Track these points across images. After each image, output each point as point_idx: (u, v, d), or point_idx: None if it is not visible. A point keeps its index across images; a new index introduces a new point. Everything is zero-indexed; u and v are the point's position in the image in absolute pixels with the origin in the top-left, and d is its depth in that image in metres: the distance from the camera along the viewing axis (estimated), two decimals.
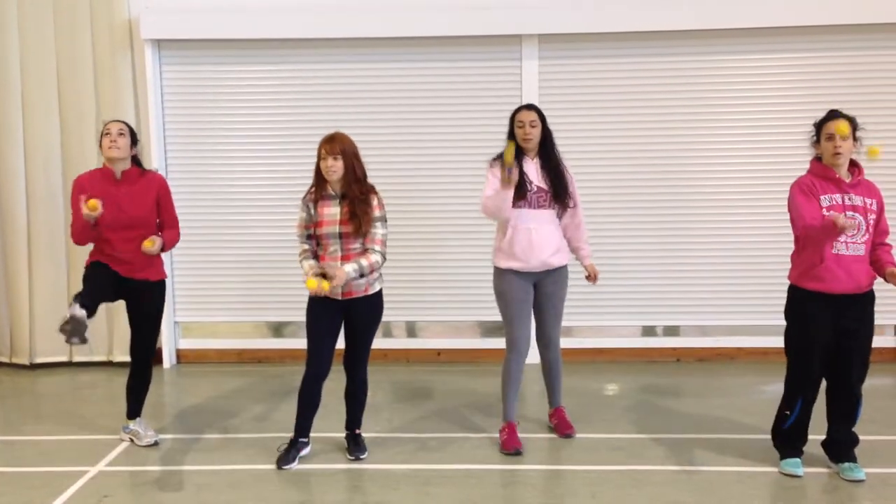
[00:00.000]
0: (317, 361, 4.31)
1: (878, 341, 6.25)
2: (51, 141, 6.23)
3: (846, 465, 4.10)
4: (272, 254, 6.29)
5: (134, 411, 4.73)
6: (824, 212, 3.86)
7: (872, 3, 5.88)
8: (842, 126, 3.87)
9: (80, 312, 4.04)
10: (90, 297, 4.20)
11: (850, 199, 3.93)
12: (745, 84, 6.19)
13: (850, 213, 3.86)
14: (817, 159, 4.01)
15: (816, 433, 4.26)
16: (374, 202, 4.23)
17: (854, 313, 3.98)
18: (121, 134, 4.44)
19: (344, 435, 4.58)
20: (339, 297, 4.24)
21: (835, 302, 3.94)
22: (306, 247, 4.31)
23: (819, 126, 3.99)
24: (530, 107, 4.59)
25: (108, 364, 6.38)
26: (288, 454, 4.37)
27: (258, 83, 6.35)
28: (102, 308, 6.19)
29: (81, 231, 4.41)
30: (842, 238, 3.85)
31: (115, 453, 4.58)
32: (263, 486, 4.15)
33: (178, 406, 5.65)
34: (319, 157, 4.20)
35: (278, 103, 6.33)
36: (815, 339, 4.00)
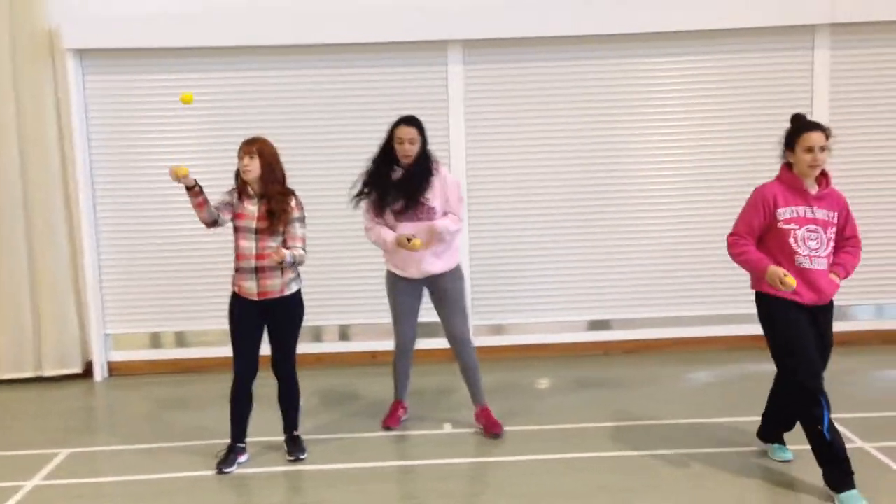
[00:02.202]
0: (242, 362, 4.39)
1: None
2: None
3: (775, 445, 4.30)
4: (201, 262, 6.28)
5: None
6: (781, 225, 3.83)
7: (788, 6, 6.17)
8: (821, 138, 3.79)
9: None
10: None
11: (812, 212, 3.85)
12: (668, 86, 6.41)
13: (811, 227, 3.83)
14: (787, 165, 3.92)
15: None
16: (293, 203, 4.33)
17: (819, 321, 3.91)
18: None
19: (283, 438, 4.63)
20: (255, 298, 4.31)
21: (798, 306, 3.86)
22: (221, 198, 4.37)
23: (794, 135, 3.86)
24: (410, 121, 4.58)
25: (38, 380, 6.30)
26: (227, 458, 4.40)
27: (181, 91, 6.30)
28: (28, 323, 6.16)
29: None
30: (804, 252, 3.82)
31: (51, 467, 4.54)
32: (202, 491, 4.17)
33: (112, 418, 5.61)
34: (238, 157, 4.28)
35: (203, 111, 6.29)
36: (799, 327, 3.84)
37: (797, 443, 4.19)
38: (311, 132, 6.33)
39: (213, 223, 4.33)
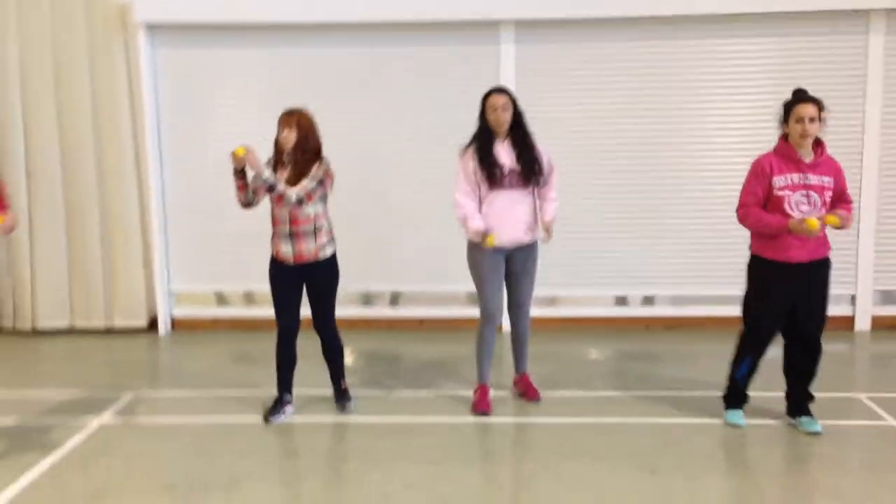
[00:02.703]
0: (284, 320, 4.63)
1: (833, 310, 6.66)
2: (48, 122, 6.50)
3: (804, 419, 4.44)
4: (261, 226, 6.53)
5: None
6: (776, 192, 4.16)
7: None
8: (811, 110, 4.10)
9: None
10: None
11: (806, 178, 4.17)
12: (718, 67, 6.48)
13: (804, 192, 4.15)
14: (784, 137, 4.24)
15: (774, 391, 4.63)
16: (316, 166, 4.48)
17: (811, 279, 4.27)
18: None
19: (331, 390, 4.91)
20: (291, 263, 4.55)
21: (792, 270, 4.22)
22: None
23: (788, 107, 4.19)
24: (501, 90, 4.65)
25: (108, 331, 6.73)
26: (274, 409, 4.69)
27: (246, 66, 6.63)
28: (99, 278, 6.57)
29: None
30: (797, 215, 4.13)
31: (116, 408, 4.90)
32: (254, 436, 4.48)
33: (173, 368, 5.99)
34: (278, 128, 4.50)
35: (267, 85, 6.59)
36: (771, 308, 4.31)
37: (826, 418, 4.40)
38: (367, 108, 6.58)
39: (247, 205, 4.62)
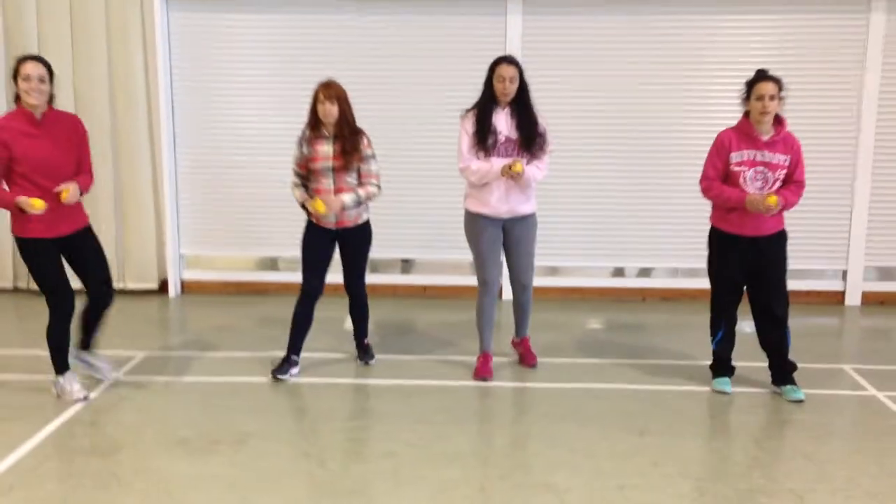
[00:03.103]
0: (312, 282, 4.86)
1: (824, 284, 6.84)
2: (63, 81, 6.60)
3: (787, 387, 4.64)
4: (271, 192, 6.75)
5: (84, 342, 4.77)
6: (733, 167, 4.42)
7: None
8: (771, 87, 4.30)
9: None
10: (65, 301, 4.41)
11: (762, 155, 4.40)
12: (721, 42, 6.61)
13: (759, 169, 4.39)
14: (745, 114, 4.46)
15: (761, 360, 4.84)
16: (364, 142, 4.75)
17: (764, 253, 4.51)
18: (41, 80, 4.18)
19: (355, 345, 5.25)
20: (333, 227, 4.77)
21: (746, 242, 4.49)
22: (297, 180, 4.82)
23: (750, 85, 4.40)
24: (510, 60, 4.67)
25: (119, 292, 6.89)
26: (281, 367, 4.90)
27: (259, 31, 6.76)
28: (112, 240, 6.73)
29: (5, 205, 4.19)
30: (750, 190, 4.38)
31: (129, 366, 5.11)
32: (261, 394, 4.69)
33: (183, 329, 6.19)
34: (317, 101, 4.66)
35: (277, 51, 6.74)
36: (727, 272, 4.60)
37: (810, 388, 4.63)
38: (373, 75, 6.70)
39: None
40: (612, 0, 6.55)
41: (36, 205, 4.10)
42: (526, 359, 5.20)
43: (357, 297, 5.08)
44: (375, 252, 6.80)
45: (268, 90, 6.78)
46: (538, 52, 6.58)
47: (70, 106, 6.63)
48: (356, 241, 4.91)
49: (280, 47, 6.74)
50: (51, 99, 4.30)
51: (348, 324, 5.31)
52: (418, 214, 6.86)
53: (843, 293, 6.79)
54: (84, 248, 4.52)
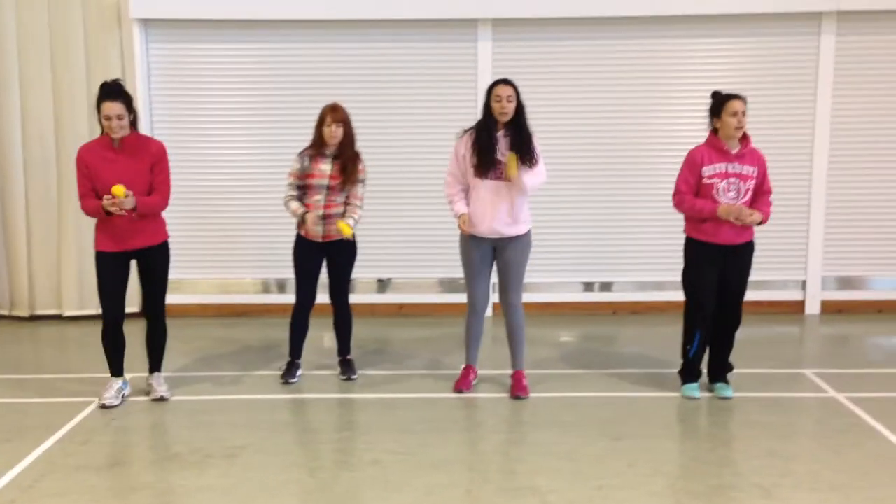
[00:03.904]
0: (304, 293, 5.18)
1: (785, 295, 7.11)
2: (45, 112, 6.76)
3: (719, 385, 4.98)
4: (246, 216, 6.95)
5: (152, 366, 5.12)
6: (706, 180, 4.68)
7: None
8: (741, 105, 4.62)
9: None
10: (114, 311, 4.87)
11: (733, 167, 4.69)
12: (683, 65, 6.91)
13: (732, 180, 4.66)
14: (714, 131, 4.76)
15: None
16: (360, 166, 5.05)
17: (734, 262, 4.79)
18: (119, 118, 4.56)
19: (337, 362, 5.42)
20: (320, 240, 5.04)
21: (719, 250, 4.75)
22: (293, 193, 5.05)
23: (720, 104, 4.69)
24: (507, 81, 4.79)
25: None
26: (289, 371, 5.24)
27: (238, 61, 6.93)
28: (90, 267, 6.83)
29: (94, 213, 4.68)
30: (724, 201, 4.64)
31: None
32: (250, 411, 4.83)
33: (168, 350, 6.28)
34: (323, 123, 4.94)
35: (256, 80, 6.91)
36: (704, 282, 4.82)
37: (773, 392, 4.89)
38: (350, 101, 6.77)
39: None
40: (578, 27, 6.83)
41: (115, 190, 4.48)
42: (513, 389, 5.05)
43: (341, 307, 5.30)
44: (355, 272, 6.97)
45: (246, 119, 6.94)
46: (508, 76, 6.78)
47: (51, 135, 6.75)
48: (343, 253, 5.15)
49: (259, 76, 6.91)
50: (134, 122, 4.70)
51: (328, 341, 5.49)
52: (393, 234, 7.04)
53: (802, 303, 7.08)
54: (147, 270, 4.92)
